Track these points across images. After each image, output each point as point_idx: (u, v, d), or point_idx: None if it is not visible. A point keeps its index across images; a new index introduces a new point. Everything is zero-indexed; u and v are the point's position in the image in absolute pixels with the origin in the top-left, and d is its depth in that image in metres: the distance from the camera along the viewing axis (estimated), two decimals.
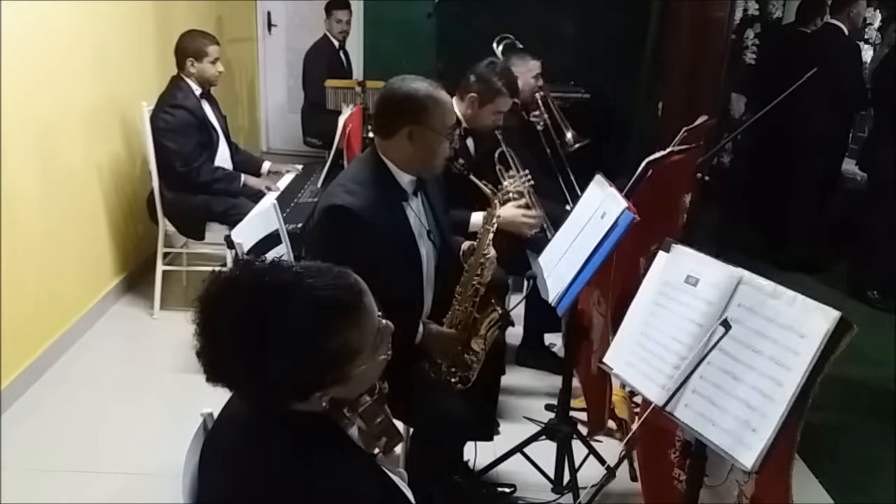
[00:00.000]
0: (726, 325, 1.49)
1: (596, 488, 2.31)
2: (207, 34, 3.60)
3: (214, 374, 1.08)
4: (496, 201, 2.20)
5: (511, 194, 2.93)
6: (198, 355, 1.09)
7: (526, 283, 2.34)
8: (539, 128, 3.82)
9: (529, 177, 2.99)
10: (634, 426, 2.13)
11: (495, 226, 2.18)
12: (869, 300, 4.19)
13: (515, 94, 3.05)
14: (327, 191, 2.12)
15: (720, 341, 1.49)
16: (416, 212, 2.13)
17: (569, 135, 3.85)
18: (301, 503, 1.05)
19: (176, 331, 3.48)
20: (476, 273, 2.14)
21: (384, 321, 1.18)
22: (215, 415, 1.33)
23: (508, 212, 2.76)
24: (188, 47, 3.50)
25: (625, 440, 2.50)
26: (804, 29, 4.76)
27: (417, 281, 2.14)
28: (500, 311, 2.17)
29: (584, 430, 2.53)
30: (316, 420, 1.13)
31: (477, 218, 2.66)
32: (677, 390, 1.51)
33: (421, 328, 2.09)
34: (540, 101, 3.78)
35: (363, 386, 1.18)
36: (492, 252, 2.17)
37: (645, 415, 1.61)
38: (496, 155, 3.09)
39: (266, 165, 3.89)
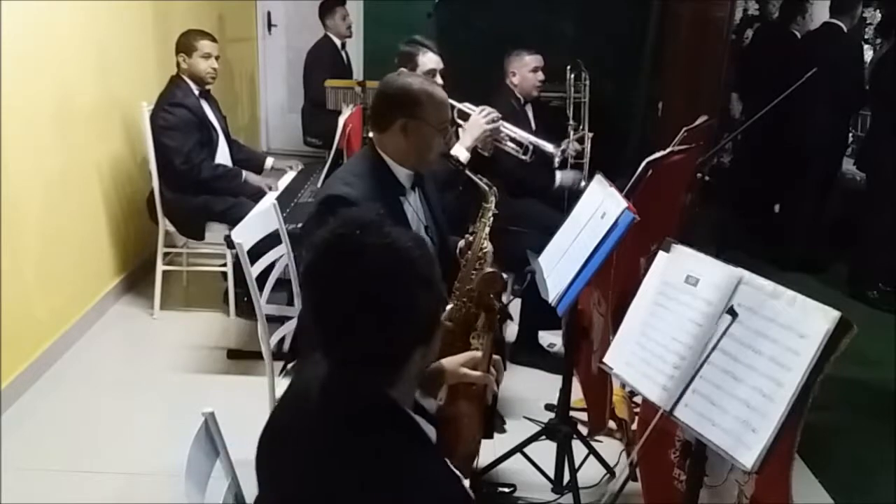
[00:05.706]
0: (732, 312, 1.48)
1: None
2: (203, 31, 3.58)
3: (337, 336, 1.11)
4: (492, 196, 2.20)
5: None
6: (310, 325, 1.12)
7: (528, 276, 2.33)
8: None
9: None
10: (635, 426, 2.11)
11: (491, 220, 2.18)
12: (869, 300, 4.19)
13: (431, 48, 3.08)
14: (325, 183, 2.12)
15: (728, 328, 1.48)
16: (413, 206, 2.14)
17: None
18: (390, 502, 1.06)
19: (176, 331, 3.49)
20: (474, 268, 2.13)
21: None
22: (216, 415, 1.33)
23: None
24: (179, 44, 3.51)
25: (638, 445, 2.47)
26: (795, 28, 4.77)
27: None
28: (497, 305, 2.16)
29: (584, 430, 2.54)
30: (394, 417, 1.13)
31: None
32: (685, 389, 1.51)
33: None
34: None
35: (425, 366, 1.26)
36: (489, 247, 2.17)
37: (655, 420, 1.60)
38: None
39: (269, 161, 3.88)
